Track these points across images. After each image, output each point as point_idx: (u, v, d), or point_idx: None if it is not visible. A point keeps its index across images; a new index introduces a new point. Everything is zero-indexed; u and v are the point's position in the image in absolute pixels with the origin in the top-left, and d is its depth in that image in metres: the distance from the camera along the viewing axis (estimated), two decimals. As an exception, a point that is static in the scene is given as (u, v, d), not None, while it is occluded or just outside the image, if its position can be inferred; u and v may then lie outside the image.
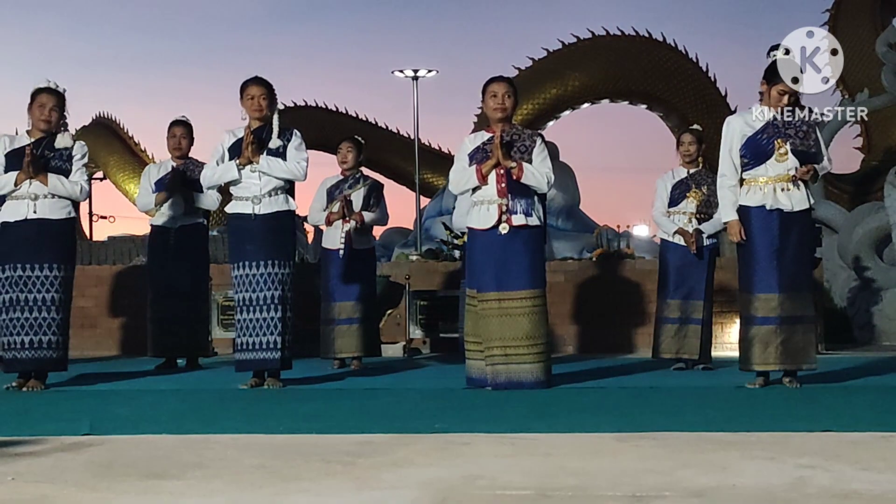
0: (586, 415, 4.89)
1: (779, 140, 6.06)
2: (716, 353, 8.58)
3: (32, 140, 6.36)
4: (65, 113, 6.45)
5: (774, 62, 6.12)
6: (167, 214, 8.09)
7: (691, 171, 7.84)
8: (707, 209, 7.75)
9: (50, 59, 62.26)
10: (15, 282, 6.23)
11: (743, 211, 6.13)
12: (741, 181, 6.15)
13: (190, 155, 8.22)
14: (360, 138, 8.35)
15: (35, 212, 6.27)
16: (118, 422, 4.69)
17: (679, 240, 7.74)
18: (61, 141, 6.39)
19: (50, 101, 6.35)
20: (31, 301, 6.22)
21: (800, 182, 6.09)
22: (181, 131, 8.17)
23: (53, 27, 68.05)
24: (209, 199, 7.98)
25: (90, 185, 6.89)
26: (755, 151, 6.09)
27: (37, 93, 6.37)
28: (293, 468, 3.32)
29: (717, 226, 7.83)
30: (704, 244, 7.75)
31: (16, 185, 6.26)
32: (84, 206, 36.07)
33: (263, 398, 5.77)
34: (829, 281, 12.30)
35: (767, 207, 6.04)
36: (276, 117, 6.40)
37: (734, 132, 6.15)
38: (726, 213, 6.19)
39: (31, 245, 6.23)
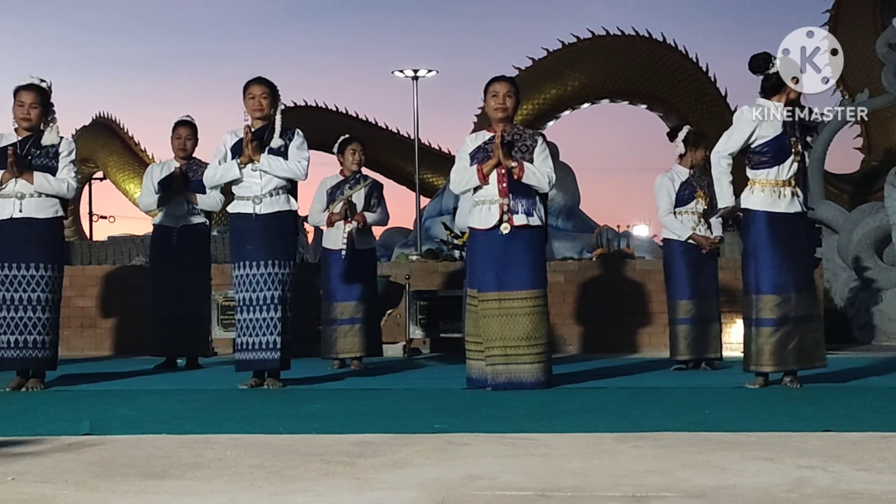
0: (586, 415, 4.89)
1: (793, 139, 6.05)
2: (716, 353, 8.57)
3: (19, 139, 6.31)
4: (51, 108, 6.36)
5: (776, 73, 6.05)
6: (169, 214, 8.10)
7: (690, 171, 7.82)
8: (711, 211, 7.74)
9: (50, 59, 62.33)
10: (1, 281, 6.21)
11: (749, 212, 6.07)
12: (745, 180, 6.11)
13: (194, 155, 8.23)
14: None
15: (21, 211, 6.23)
16: (118, 422, 4.69)
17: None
18: (48, 137, 6.31)
19: (28, 99, 6.27)
20: (18, 300, 6.20)
21: (797, 187, 6.07)
22: (186, 132, 8.18)
23: (53, 27, 68.06)
24: (211, 200, 7.98)
25: (80, 181, 6.83)
26: (778, 151, 6.00)
27: (17, 91, 6.31)
28: (293, 468, 3.32)
29: (720, 225, 7.83)
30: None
31: (1, 184, 6.23)
32: (84, 206, 36.13)
33: (263, 398, 5.77)
34: (829, 281, 12.30)
35: (773, 210, 6.01)
36: (278, 117, 6.40)
37: (754, 129, 6.03)
38: (726, 199, 6.08)
39: (18, 244, 6.20)
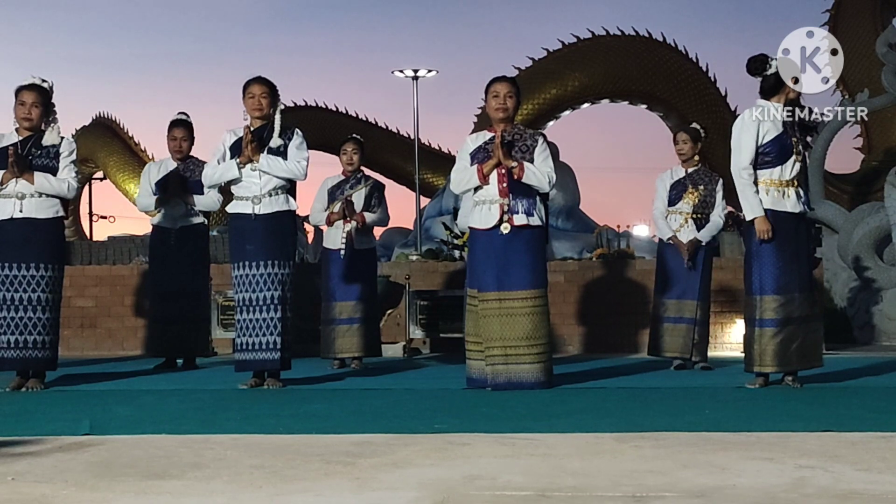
0: (586, 415, 4.89)
1: (794, 139, 6.04)
2: (716, 353, 8.59)
3: (20, 139, 6.31)
4: (52, 108, 6.35)
5: (775, 74, 6.05)
6: (167, 215, 8.09)
7: (689, 170, 7.82)
8: (703, 209, 7.73)
9: (50, 59, 62.35)
10: (1, 281, 6.21)
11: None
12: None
13: (192, 154, 8.22)
14: (359, 137, 8.36)
15: (21, 211, 6.22)
16: (118, 422, 4.69)
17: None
18: (48, 138, 6.31)
19: (30, 98, 6.26)
20: (18, 300, 6.19)
21: (800, 187, 6.07)
22: (182, 133, 8.15)
23: (53, 27, 68.07)
24: (209, 201, 7.98)
25: (80, 181, 6.82)
26: (781, 151, 6.00)
27: (18, 90, 6.30)
28: (293, 468, 3.32)
29: (713, 231, 7.81)
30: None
31: (2, 184, 6.22)
32: (84, 206, 36.12)
33: (263, 398, 5.77)
34: (829, 281, 12.30)
35: (778, 210, 6.00)
36: (278, 116, 6.40)
37: (758, 128, 6.01)
38: (754, 210, 6.01)
39: (18, 244, 6.19)
